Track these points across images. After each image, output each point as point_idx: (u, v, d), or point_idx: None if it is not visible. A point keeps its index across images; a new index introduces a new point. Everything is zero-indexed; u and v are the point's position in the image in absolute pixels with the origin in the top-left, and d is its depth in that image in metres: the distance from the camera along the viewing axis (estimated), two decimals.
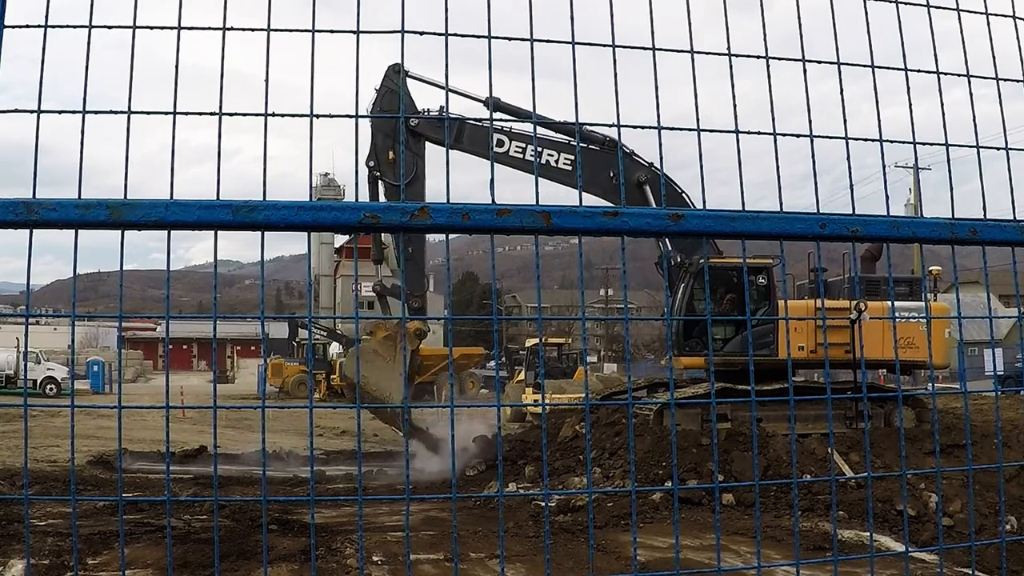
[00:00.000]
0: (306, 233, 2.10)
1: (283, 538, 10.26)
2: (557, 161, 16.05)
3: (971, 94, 2.61)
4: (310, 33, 2.20)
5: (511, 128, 15.90)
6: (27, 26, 2.08)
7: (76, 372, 30.50)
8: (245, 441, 19.17)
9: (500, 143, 15.64)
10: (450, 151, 2.93)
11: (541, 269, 2.46)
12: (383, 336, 16.86)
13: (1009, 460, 12.42)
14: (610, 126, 2.28)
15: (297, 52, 2.25)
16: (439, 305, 79.47)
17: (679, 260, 16.06)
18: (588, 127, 2.27)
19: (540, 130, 15.67)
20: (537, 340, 33.06)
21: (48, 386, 41.08)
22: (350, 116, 2.18)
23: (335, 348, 49.48)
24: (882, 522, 11.23)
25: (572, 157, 15.58)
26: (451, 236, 2.26)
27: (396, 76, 15.08)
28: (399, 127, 15.62)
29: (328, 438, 22.51)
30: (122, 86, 2.09)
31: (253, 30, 2.20)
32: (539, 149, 15.81)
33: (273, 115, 2.17)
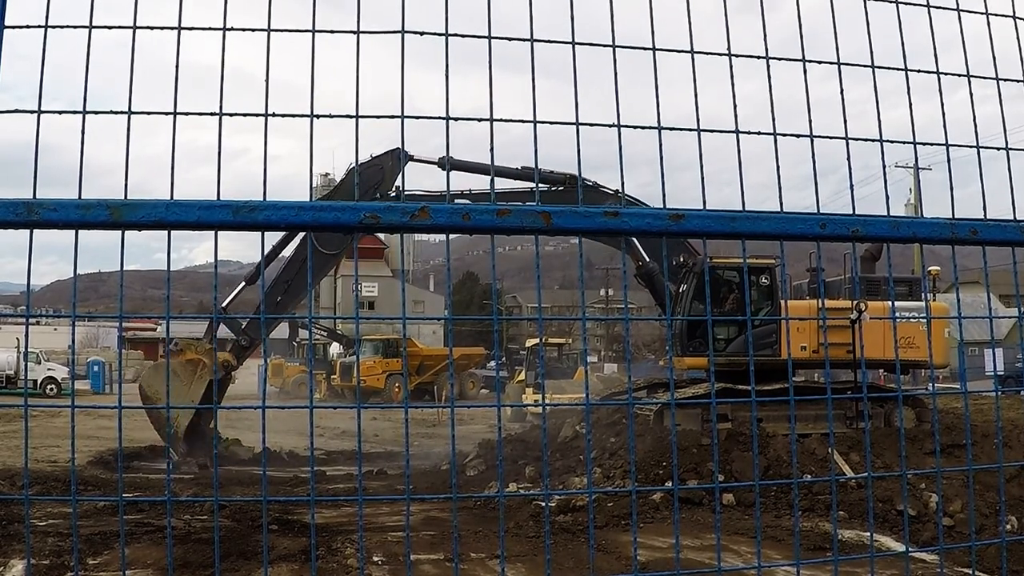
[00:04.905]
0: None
1: (283, 538, 10.26)
2: None
3: (971, 94, 2.61)
4: (310, 33, 2.20)
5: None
6: (27, 26, 2.08)
7: (76, 372, 30.50)
8: (246, 441, 19.17)
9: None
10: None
11: (541, 269, 2.46)
12: (187, 359, 16.74)
13: (1009, 460, 12.41)
14: (610, 126, 2.28)
15: (303, 52, 2.25)
16: (439, 305, 79.55)
17: (682, 260, 16.09)
18: (586, 126, 2.27)
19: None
20: (537, 340, 33.05)
21: (48, 386, 41.06)
22: (350, 116, 2.18)
23: (335, 348, 49.53)
24: (882, 522, 11.23)
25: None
26: (451, 236, 2.26)
27: (396, 161, 15.38)
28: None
29: (328, 438, 22.49)
30: (126, 86, 2.09)
31: (253, 30, 2.20)
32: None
33: (273, 115, 2.17)
